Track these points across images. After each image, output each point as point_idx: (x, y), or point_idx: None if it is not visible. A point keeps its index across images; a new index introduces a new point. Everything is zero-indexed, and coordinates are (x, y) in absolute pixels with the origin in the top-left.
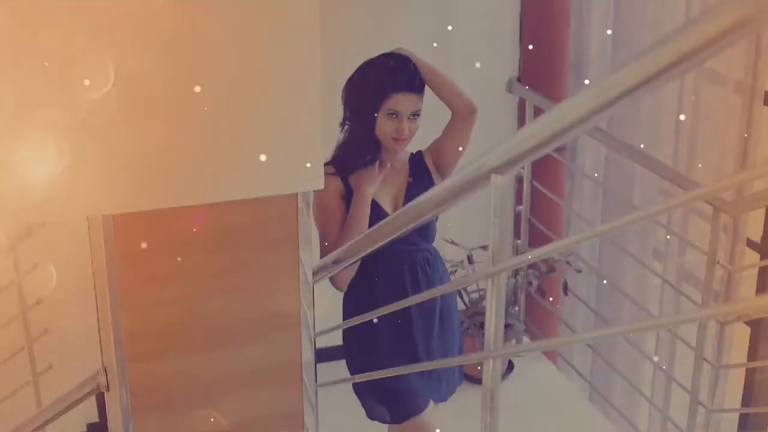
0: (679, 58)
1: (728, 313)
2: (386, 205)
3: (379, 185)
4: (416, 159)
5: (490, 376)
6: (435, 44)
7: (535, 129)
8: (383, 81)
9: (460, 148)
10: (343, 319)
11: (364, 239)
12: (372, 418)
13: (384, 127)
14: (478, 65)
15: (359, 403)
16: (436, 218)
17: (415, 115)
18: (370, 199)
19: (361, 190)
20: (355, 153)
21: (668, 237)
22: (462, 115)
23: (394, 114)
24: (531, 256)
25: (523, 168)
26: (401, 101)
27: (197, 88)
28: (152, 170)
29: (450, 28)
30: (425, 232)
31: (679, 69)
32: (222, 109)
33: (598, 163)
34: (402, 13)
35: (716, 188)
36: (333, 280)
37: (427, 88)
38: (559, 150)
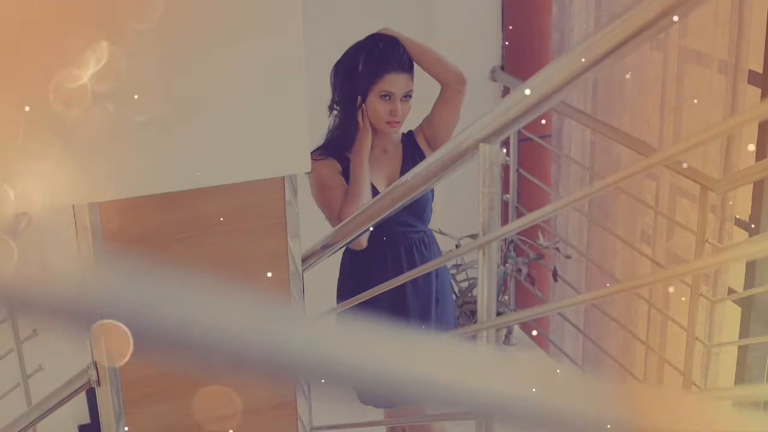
0: (656, 16)
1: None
2: (382, 187)
3: (369, 148)
4: (408, 139)
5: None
6: (417, 35)
7: (520, 95)
8: (375, 62)
9: (451, 122)
10: (337, 303)
11: (356, 219)
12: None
13: (377, 109)
14: (460, 54)
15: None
16: (431, 200)
17: (408, 96)
18: (366, 162)
19: (355, 155)
20: (348, 136)
21: (656, 220)
22: (452, 87)
23: (387, 96)
24: (523, 222)
25: (509, 157)
26: (394, 81)
27: (182, 74)
28: (137, 157)
29: (432, 17)
30: (420, 213)
31: (656, 27)
32: (206, 94)
33: (584, 149)
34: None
35: (677, 151)
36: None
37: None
38: (545, 137)
